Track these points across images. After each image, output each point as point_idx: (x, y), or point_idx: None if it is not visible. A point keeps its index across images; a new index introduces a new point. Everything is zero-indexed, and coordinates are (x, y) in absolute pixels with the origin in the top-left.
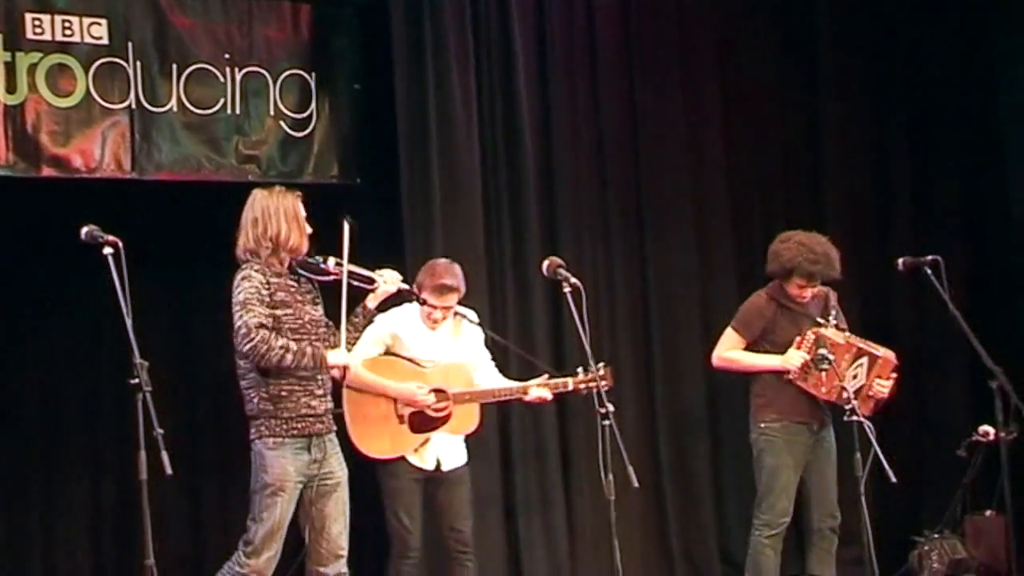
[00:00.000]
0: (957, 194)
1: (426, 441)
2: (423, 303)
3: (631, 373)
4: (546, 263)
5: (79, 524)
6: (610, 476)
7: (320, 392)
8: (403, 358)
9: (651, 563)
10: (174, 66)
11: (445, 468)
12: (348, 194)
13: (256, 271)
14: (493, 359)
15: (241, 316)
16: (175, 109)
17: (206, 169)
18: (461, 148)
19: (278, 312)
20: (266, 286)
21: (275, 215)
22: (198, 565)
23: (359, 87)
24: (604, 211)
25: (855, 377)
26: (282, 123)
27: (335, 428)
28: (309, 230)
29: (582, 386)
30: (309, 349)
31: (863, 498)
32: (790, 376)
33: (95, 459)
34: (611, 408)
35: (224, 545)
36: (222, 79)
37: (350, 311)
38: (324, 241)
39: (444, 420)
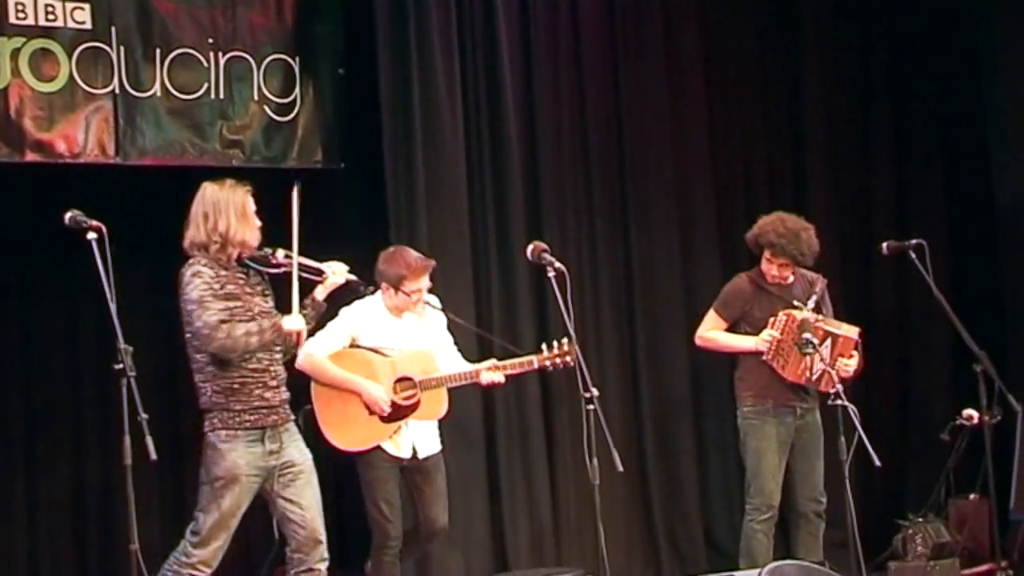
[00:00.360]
0: (940, 179)
1: (398, 429)
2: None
3: (615, 357)
4: (530, 248)
5: (63, 510)
6: (595, 460)
7: (274, 383)
8: (368, 349)
9: (636, 547)
10: (158, 51)
11: (421, 455)
12: (333, 179)
13: (204, 266)
14: (478, 346)
15: (200, 316)
16: (159, 94)
17: (190, 154)
18: (445, 132)
19: (229, 304)
20: (216, 279)
21: (225, 210)
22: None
23: (343, 72)
24: (588, 196)
25: (821, 359)
26: (266, 108)
27: (293, 417)
28: (259, 224)
29: (547, 363)
30: (266, 322)
31: (847, 482)
32: (765, 357)
33: (79, 444)
34: (595, 392)
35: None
36: (206, 64)
37: (300, 303)
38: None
39: (413, 407)
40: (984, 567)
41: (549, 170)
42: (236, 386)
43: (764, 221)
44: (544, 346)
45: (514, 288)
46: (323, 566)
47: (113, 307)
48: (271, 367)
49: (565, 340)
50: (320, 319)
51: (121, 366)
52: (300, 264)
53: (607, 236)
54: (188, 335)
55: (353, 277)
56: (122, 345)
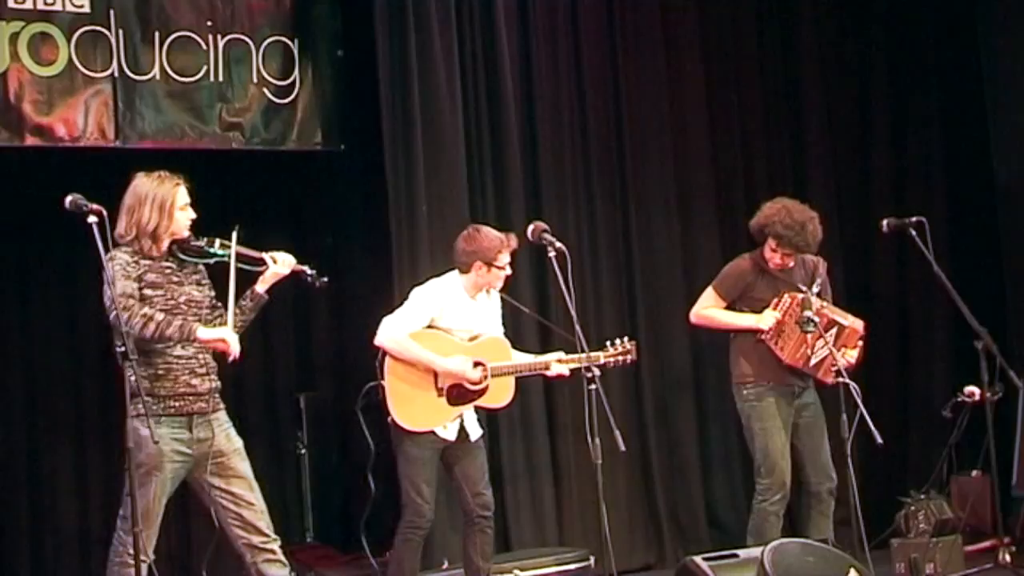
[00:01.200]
0: (939, 156)
1: (460, 414)
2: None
3: (615, 335)
4: (531, 228)
5: (64, 493)
6: (597, 440)
7: (202, 371)
8: (442, 330)
9: (638, 527)
10: (156, 34)
11: (473, 437)
12: (333, 161)
13: (123, 252)
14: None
15: (108, 293)
16: (158, 77)
17: (189, 137)
18: (444, 113)
19: (148, 292)
20: (133, 265)
21: (145, 203)
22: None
23: (342, 53)
24: (587, 175)
25: (823, 346)
26: (265, 90)
27: (222, 406)
28: (190, 217)
29: (611, 360)
30: (177, 321)
31: (849, 459)
32: (763, 336)
33: (80, 428)
34: (597, 372)
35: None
36: (205, 47)
37: (239, 295)
38: (309, 208)
39: (481, 393)
40: (986, 543)
41: (548, 150)
42: (161, 372)
43: (769, 211)
44: (608, 343)
45: (515, 269)
46: (275, 545)
47: (107, 290)
48: (199, 354)
49: (626, 338)
50: (261, 312)
51: (123, 348)
52: (239, 254)
53: (607, 216)
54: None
55: (303, 267)
56: (124, 328)
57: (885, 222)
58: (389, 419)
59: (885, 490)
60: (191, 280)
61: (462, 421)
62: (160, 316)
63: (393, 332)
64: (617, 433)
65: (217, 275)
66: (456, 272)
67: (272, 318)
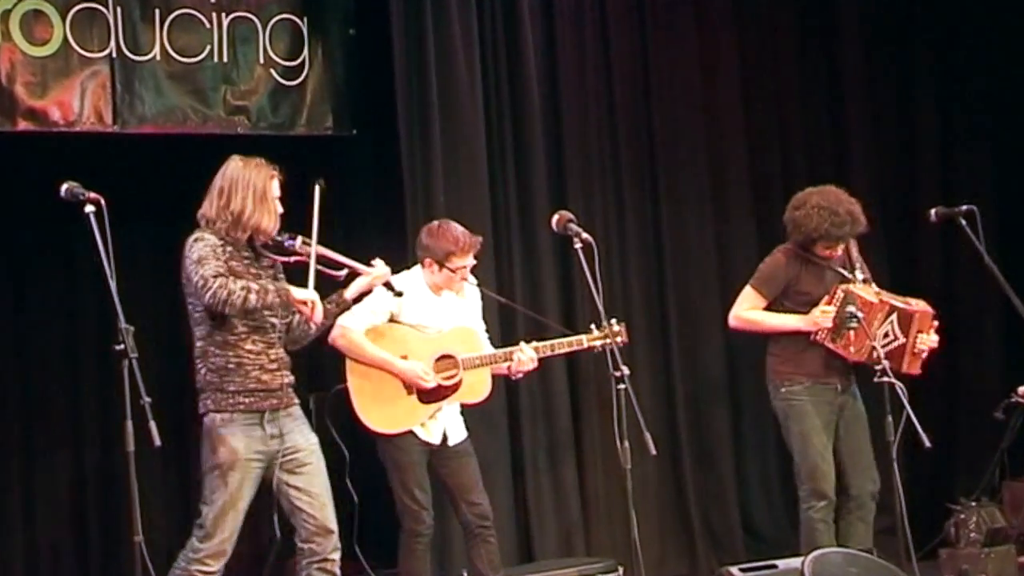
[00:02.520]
0: (987, 142)
1: (437, 411)
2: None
3: (646, 334)
4: (555, 217)
5: (61, 499)
6: (626, 443)
7: (273, 366)
8: (407, 325)
9: (669, 534)
10: (157, 12)
11: (452, 442)
12: (344, 146)
13: (209, 234)
14: (501, 323)
15: (197, 271)
16: (158, 58)
17: (192, 121)
18: (463, 96)
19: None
20: (221, 248)
21: (242, 190)
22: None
23: (354, 32)
24: (615, 162)
25: (886, 335)
26: (272, 71)
27: (296, 402)
28: (280, 211)
29: (597, 343)
30: (271, 286)
31: (895, 464)
32: (818, 337)
33: (77, 430)
34: (626, 371)
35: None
36: (208, 25)
37: (324, 296)
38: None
39: (454, 388)
40: None
41: (574, 135)
42: (231, 366)
43: (809, 220)
44: (593, 326)
45: (537, 261)
46: (337, 555)
47: (113, 284)
48: (269, 349)
49: (614, 320)
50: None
51: (122, 347)
52: (319, 255)
53: (636, 204)
54: (189, 306)
55: (392, 279)
56: (123, 324)
57: (933, 211)
58: (377, 432)
59: (933, 497)
60: (268, 274)
61: (442, 425)
62: (255, 285)
63: (345, 330)
64: (648, 436)
65: (295, 274)
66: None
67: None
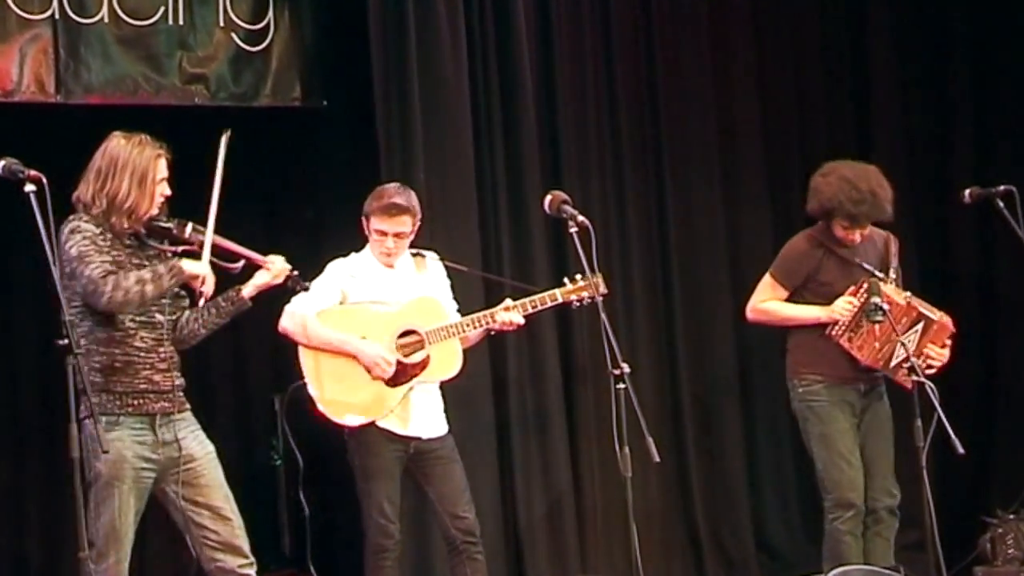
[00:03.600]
0: None
1: (407, 396)
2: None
3: (648, 328)
4: (548, 198)
5: None
6: (626, 449)
7: (163, 366)
8: (366, 303)
9: (675, 550)
10: None
11: (426, 435)
12: (313, 119)
13: (86, 222)
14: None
15: (83, 272)
16: (107, 20)
17: (144, 91)
18: (445, 61)
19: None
20: (102, 238)
21: (120, 171)
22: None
23: None
24: (615, 138)
25: (893, 331)
26: (233, 36)
27: (188, 407)
28: (164, 194)
29: (573, 296)
30: (162, 267)
31: (925, 473)
32: (833, 331)
33: (16, 434)
34: (627, 368)
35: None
36: None
37: (217, 291)
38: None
39: (423, 365)
40: None
41: (569, 105)
42: (118, 365)
43: (828, 189)
44: (566, 280)
45: (529, 247)
46: (251, 571)
47: (56, 271)
48: (159, 347)
49: (591, 272)
50: (239, 316)
51: (66, 341)
52: (214, 244)
53: (638, 184)
54: (63, 299)
55: (295, 272)
56: (66, 317)
57: (967, 192)
58: (342, 425)
59: (967, 509)
60: (152, 264)
61: (417, 415)
62: (147, 274)
63: (293, 313)
64: (650, 441)
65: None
66: None
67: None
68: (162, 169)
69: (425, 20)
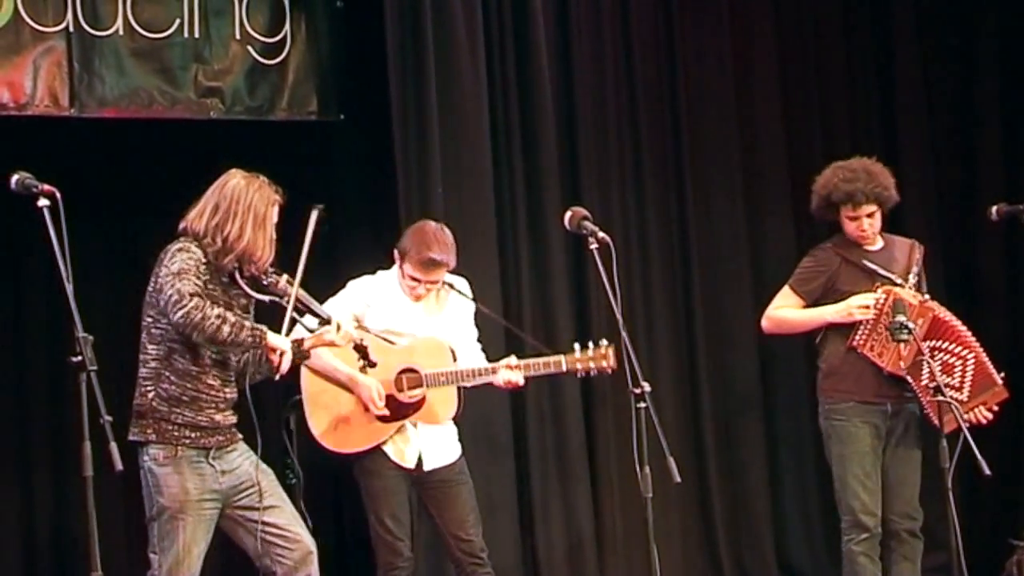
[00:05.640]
0: None
1: (401, 429)
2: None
3: (669, 345)
4: (568, 214)
5: (9, 532)
6: (647, 469)
7: (224, 406)
8: (372, 333)
9: (695, 571)
10: None
11: (428, 467)
12: (329, 133)
13: (197, 247)
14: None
15: (173, 284)
16: (121, 32)
17: (159, 105)
18: (464, 75)
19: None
20: (205, 267)
21: (242, 213)
22: None
23: (341, 4)
24: (636, 152)
25: (948, 371)
26: (249, 48)
27: (240, 437)
28: (274, 240)
29: (579, 366)
30: (248, 323)
31: (951, 494)
32: (855, 342)
33: (26, 453)
34: (647, 387)
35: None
36: None
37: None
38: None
39: (416, 406)
40: None
41: (589, 118)
42: (187, 398)
43: (821, 179)
44: (577, 345)
45: (548, 263)
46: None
47: (69, 288)
48: (225, 387)
49: (604, 342)
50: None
51: (80, 359)
52: (299, 299)
53: (658, 198)
54: (148, 319)
55: (366, 346)
56: (80, 333)
57: (994, 209)
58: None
59: (993, 531)
60: (239, 304)
61: (418, 448)
62: (233, 317)
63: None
64: (671, 461)
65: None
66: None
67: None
68: (275, 215)
69: (443, 33)
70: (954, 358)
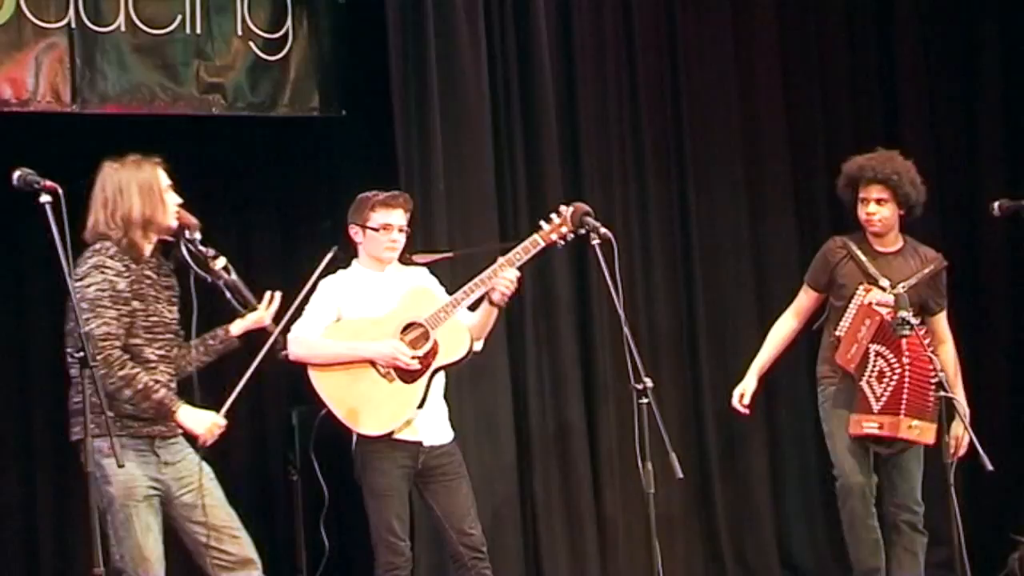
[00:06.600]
0: None
1: (426, 390)
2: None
3: (672, 341)
4: (570, 210)
5: (9, 528)
6: (649, 465)
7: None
8: (354, 320)
9: (698, 568)
10: None
11: (432, 442)
12: (331, 129)
13: (112, 258)
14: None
15: (89, 321)
16: (123, 28)
17: (161, 100)
18: (466, 71)
19: (133, 306)
20: (125, 276)
21: (126, 191)
22: None
23: (343, 0)
24: (638, 148)
25: (880, 378)
26: (251, 44)
27: (180, 432)
28: (177, 201)
29: (554, 236)
30: (158, 395)
31: (953, 489)
32: (837, 331)
33: (27, 448)
34: (649, 383)
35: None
36: None
37: (206, 328)
38: (303, 188)
39: (434, 352)
40: None
41: (591, 114)
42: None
43: (848, 162)
44: (541, 222)
45: (549, 258)
46: None
47: (71, 284)
48: (171, 382)
49: (563, 207)
50: (222, 357)
51: (83, 354)
52: (235, 286)
53: (660, 196)
54: (71, 322)
55: (270, 326)
56: (83, 329)
57: (996, 204)
58: (354, 438)
59: (996, 526)
60: (164, 296)
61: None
62: (143, 382)
63: (298, 338)
64: (673, 457)
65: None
66: None
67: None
68: (164, 177)
69: (445, 29)
70: (888, 369)
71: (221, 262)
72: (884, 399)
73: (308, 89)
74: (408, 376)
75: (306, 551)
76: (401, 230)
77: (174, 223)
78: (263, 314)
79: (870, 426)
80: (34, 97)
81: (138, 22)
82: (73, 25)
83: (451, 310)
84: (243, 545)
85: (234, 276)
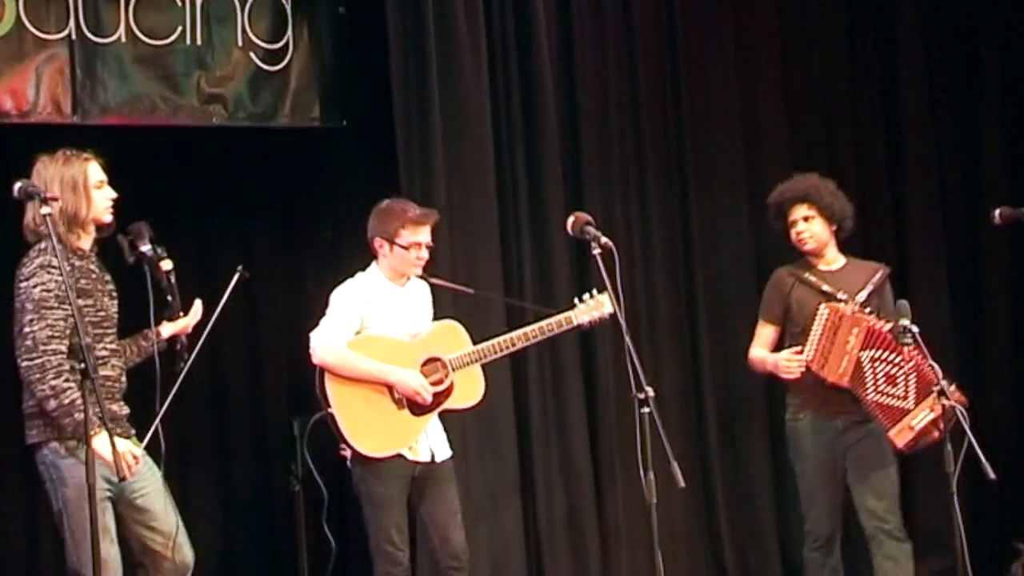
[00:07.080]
0: None
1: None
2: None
3: (673, 349)
4: (571, 220)
5: (10, 536)
6: (651, 474)
7: (119, 396)
8: (383, 334)
9: (699, 571)
10: None
11: (440, 458)
12: (332, 139)
13: (54, 256)
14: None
15: (32, 323)
16: (123, 39)
17: (161, 111)
18: (467, 81)
19: (80, 302)
20: (70, 272)
21: (50, 187)
22: None
23: (344, 10)
24: (639, 153)
25: (891, 381)
26: (252, 55)
27: (133, 432)
28: (109, 197)
29: (584, 318)
30: (78, 415)
31: (955, 498)
32: (807, 360)
33: (30, 453)
34: (651, 392)
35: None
36: (180, 3)
37: (137, 329)
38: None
39: (447, 393)
40: None
41: (592, 121)
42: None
43: (771, 195)
44: (577, 300)
45: (550, 268)
46: None
47: (72, 294)
48: (121, 377)
49: (595, 291)
50: (146, 359)
51: (83, 366)
52: (166, 279)
53: (662, 203)
54: (17, 326)
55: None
56: (83, 340)
57: (997, 212)
58: (349, 453)
59: (998, 534)
60: (107, 290)
61: (428, 440)
62: (70, 399)
63: (330, 345)
64: (675, 466)
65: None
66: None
67: (260, 328)
68: (94, 172)
69: (446, 39)
70: (893, 367)
71: (168, 264)
72: (912, 393)
73: (309, 99)
74: (418, 409)
75: (308, 561)
76: (428, 247)
77: (107, 218)
78: (189, 321)
79: (919, 420)
80: (35, 108)
81: (139, 33)
82: (74, 36)
83: (475, 359)
84: (184, 553)
85: (174, 281)
